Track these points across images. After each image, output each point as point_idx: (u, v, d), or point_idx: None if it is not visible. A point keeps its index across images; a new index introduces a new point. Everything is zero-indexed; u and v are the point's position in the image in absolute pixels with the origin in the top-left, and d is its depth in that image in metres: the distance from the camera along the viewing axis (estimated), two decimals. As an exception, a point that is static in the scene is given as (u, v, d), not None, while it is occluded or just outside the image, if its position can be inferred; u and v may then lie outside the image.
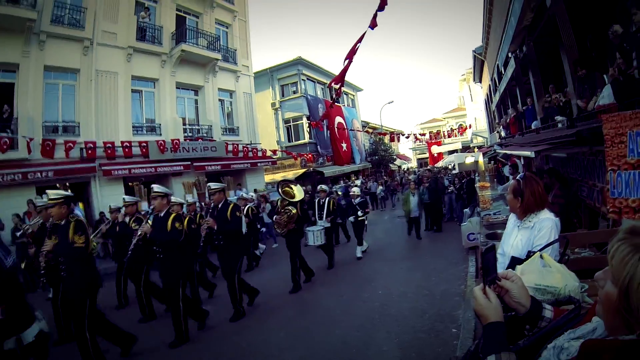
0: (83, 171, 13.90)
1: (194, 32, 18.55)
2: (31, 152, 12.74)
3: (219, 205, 6.77)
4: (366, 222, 10.94)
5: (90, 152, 14.15)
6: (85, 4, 14.87)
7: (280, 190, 8.59)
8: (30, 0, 12.97)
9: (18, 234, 10.51)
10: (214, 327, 6.46)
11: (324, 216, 9.98)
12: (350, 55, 7.49)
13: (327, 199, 10.37)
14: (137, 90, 16.70)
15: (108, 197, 13.84)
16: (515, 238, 2.65)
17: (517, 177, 2.72)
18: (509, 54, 11.56)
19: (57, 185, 13.58)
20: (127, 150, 15.24)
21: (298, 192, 8.66)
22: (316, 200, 10.79)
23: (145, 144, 15.81)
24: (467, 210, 12.00)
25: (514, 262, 2.26)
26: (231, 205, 6.65)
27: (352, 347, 5.07)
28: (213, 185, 6.93)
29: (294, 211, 8.20)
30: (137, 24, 16.53)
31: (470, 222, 9.22)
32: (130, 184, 15.82)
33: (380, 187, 23.82)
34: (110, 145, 14.74)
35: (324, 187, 10.82)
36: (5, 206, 11.71)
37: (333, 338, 5.41)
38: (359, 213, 10.66)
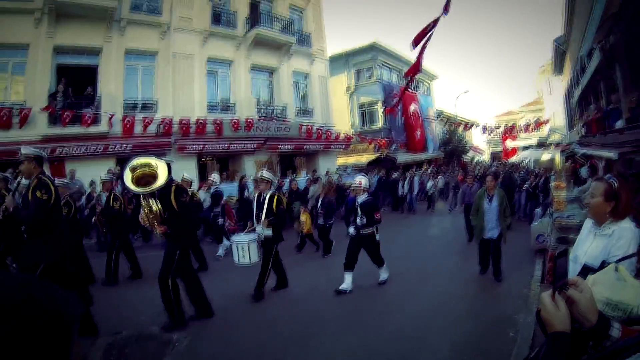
0: (159, 146, 14.22)
1: (268, 16, 18.23)
2: (112, 127, 13.48)
3: None
4: (377, 238, 6.82)
5: (166, 128, 14.51)
6: (163, -8, 15.29)
7: (129, 170, 4.84)
8: None
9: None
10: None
11: (262, 218, 6.43)
12: (419, 39, 7.16)
13: (269, 193, 6.56)
14: (212, 71, 16.82)
15: (181, 171, 13.18)
16: (590, 245, 2.46)
17: (607, 179, 2.50)
18: (594, 45, 9.80)
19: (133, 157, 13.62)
20: (201, 127, 15.30)
21: (161, 172, 4.82)
22: (254, 195, 7.89)
23: (219, 122, 15.77)
24: (538, 210, 10.78)
25: (586, 270, 2.03)
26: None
27: (404, 344, 4.67)
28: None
29: (155, 207, 4.86)
30: (212, 10, 16.59)
31: (541, 223, 8.61)
32: (203, 159, 15.75)
33: (432, 182, 17.88)
34: (185, 122, 14.93)
35: (265, 174, 6.80)
36: (87, 174, 12.08)
37: (385, 334, 4.95)
38: (359, 221, 6.60)
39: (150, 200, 4.77)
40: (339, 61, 27.09)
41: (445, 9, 6.51)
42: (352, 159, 25.46)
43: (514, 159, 32.04)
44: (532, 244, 8.53)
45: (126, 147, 13.33)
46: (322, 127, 19.88)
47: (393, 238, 10.93)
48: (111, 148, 13.14)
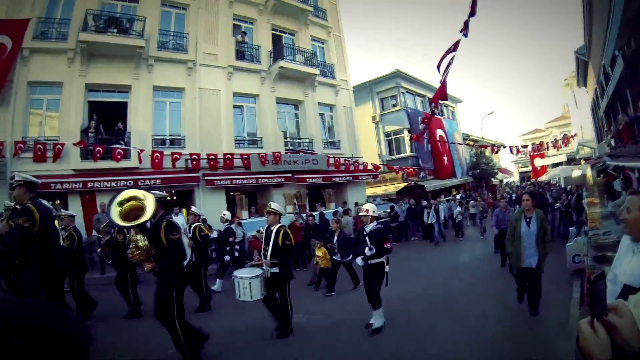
0: (187, 180, 14.33)
1: (290, 49, 18.44)
2: (142, 162, 13.63)
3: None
4: (387, 269, 6.10)
5: (194, 163, 14.53)
6: (187, 30, 15.84)
7: (116, 204, 4.48)
8: (139, 30, 14.13)
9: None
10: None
11: (269, 255, 6.04)
12: (441, 62, 7.24)
13: (276, 227, 6.12)
14: (238, 106, 16.90)
15: (210, 206, 14.07)
16: (630, 263, 2.24)
17: None
18: (616, 52, 9.42)
19: (165, 192, 13.64)
20: (228, 162, 15.32)
21: (149, 205, 4.48)
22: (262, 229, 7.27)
23: (247, 156, 15.79)
24: (572, 229, 10.37)
25: (627, 290, 1.95)
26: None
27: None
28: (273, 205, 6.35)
29: (142, 243, 4.48)
30: (236, 45, 16.85)
31: (577, 243, 8.22)
32: (232, 193, 15.61)
33: (459, 209, 16.95)
34: (213, 157, 15.02)
35: (272, 205, 6.37)
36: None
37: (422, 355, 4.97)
38: (367, 251, 5.96)
39: (137, 235, 4.46)
40: (363, 91, 27.24)
41: (464, 30, 6.45)
42: (380, 189, 25.17)
43: (543, 177, 31.22)
44: (568, 265, 8.11)
45: (155, 181, 13.41)
46: (350, 158, 19.68)
47: (421, 266, 10.88)
48: (141, 182, 13.08)
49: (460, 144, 31.95)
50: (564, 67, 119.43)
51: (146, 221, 4.45)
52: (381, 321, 5.99)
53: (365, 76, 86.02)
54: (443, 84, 7.83)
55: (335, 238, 9.28)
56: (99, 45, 13.42)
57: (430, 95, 25.33)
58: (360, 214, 6.51)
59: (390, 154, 27.68)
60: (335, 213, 14.69)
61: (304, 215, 14.63)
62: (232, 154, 15.44)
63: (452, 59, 7.04)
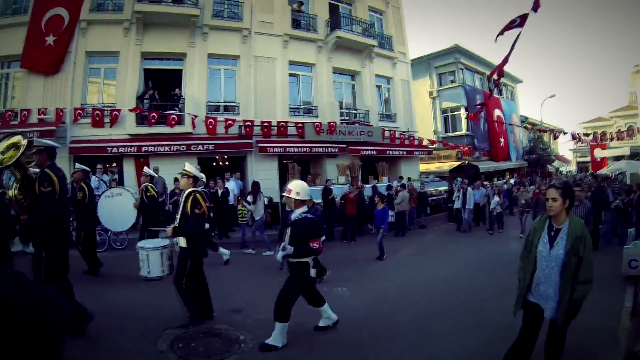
0: (240, 147, 13.90)
1: (348, 19, 17.27)
2: (195, 128, 13.32)
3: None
4: (312, 273, 4.44)
5: (248, 129, 13.98)
6: (242, -2, 15.21)
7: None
8: None
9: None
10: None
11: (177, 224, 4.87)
12: (503, 33, 6.73)
13: (187, 192, 4.86)
14: (294, 74, 16.04)
15: (262, 172, 13.78)
16: None
17: None
18: None
19: (216, 157, 14.31)
20: (282, 129, 14.58)
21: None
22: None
23: (301, 125, 14.94)
24: (631, 230, 9.03)
25: None
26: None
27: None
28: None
29: (12, 193, 4.24)
30: (292, 14, 15.96)
31: (635, 246, 7.08)
32: (284, 161, 14.92)
33: (497, 199, 13.26)
34: (267, 124, 14.33)
35: (187, 166, 5.05)
36: (171, 171, 11.74)
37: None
38: (280, 251, 4.33)
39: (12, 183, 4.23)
40: (421, 65, 25.62)
41: (535, 7, 6.07)
42: (434, 166, 23.61)
43: (604, 170, 27.96)
44: (623, 270, 6.89)
45: (208, 147, 13.20)
46: (405, 132, 18.31)
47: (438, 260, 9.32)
48: (194, 147, 13.04)
49: (517, 126, 29.43)
50: (636, 52, 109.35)
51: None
52: (280, 339, 4.24)
53: (424, 50, 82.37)
54: (505, 59, 7.25)
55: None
56: (154, 14, 13.30)
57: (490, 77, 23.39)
58: (283, 194, 4.65)
59: (446, 131, 25.97)
60: (389, 187, 13.77)
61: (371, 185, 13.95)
62: (286, 122, 14.70)
63: (518, 35, 6.55)
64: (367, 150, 16.30)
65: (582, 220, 3.32)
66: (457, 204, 13.85)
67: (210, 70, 14.37)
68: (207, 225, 7.93)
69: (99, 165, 11.81)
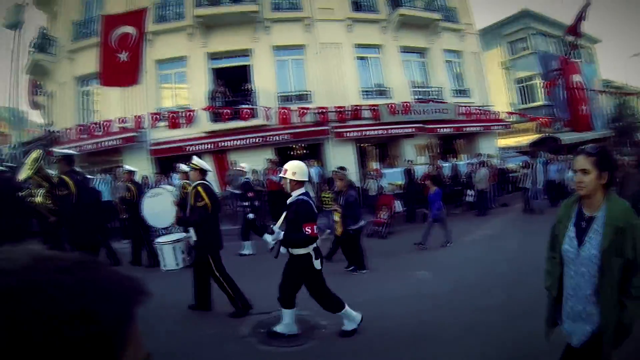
0: (316, 134, 13.54)
1: (408, -5, 16.11)
2: (269, 119, 13.14)
3: None
4: (317, 266, 3.88)
5: (322, 116, 13.52)
6: (299, -13, 14.97)
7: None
8: None
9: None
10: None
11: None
12: None
13: (193, 184, 4.84)
14: (362, 57, 15.30)
15: (340, 157, 13.23)
16: None
17: None
18: None
19: (293, 146, 14.14)
20: (357, 113, 13.93)
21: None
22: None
23: (375, 107, 14.21)
24: None
25: None
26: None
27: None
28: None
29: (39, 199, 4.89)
30: (351, -4, 15.33)
31: None
32: (362, 145, 14.25)
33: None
34: (341, 109, 13.76)
35: (195, 160, 5.01)
36: (248, 163, 11.32)
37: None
38: (269, 237, 3.98)
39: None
40: (490, 35, 23.79)
41: None
42: (512, 141, 21.69)
43: None
44: None
45: (284, 136, 12.98)
46: (480, 107, 16.87)
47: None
48: (270, 139, 12.89)
49: (600, 91, 26.51)
50: None
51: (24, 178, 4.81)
52: (288, 328, 3.97)
53: (491, 19, 78.31)
54: (580, 14, 7.05)
55: (342, 200, 6.76)
56: (215, 16, 13.41)
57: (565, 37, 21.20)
58: (280, 175, 4.15)
59: (522, 103, 23.93)
60: (483, 163, 12.42)
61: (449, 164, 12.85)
62: (359, 106, 14.05)
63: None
64: (443, 128, 15.25)
65: (627, 203, 2.09)
66: (527, 183, 11.62)
67: (277, 62, 14.16)
68: (251, 216, 7.95)
69: (177, 165, 11.80)
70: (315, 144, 14.21)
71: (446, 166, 13.33)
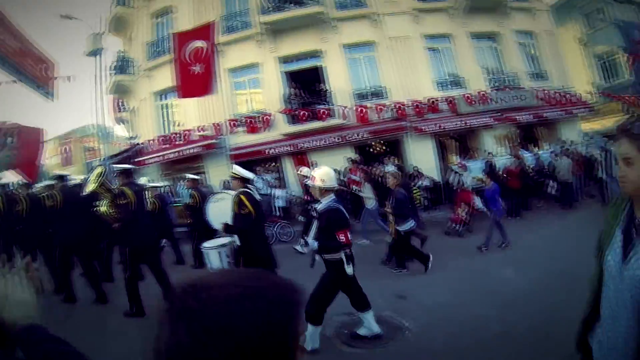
0: (394, 130, 13.16)
1: (473, -22, 15.41)
2: (347, 118, 13.06)
3: None
4: (349, 272, 3.74)
5: (399, 111, 13.18)
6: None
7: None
8: None
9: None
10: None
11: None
12: None
13: (236, 192, 4.79)
14: (433, 48, 14.78)
15: (420, 153, 13.14)
16: None
17: None
18: None
19: (372, 143, 14.08)
20: (433, 106, 13.43)
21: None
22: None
23: (451, 99, 13.68)
24: None
25: None
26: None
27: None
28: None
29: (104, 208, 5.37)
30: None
31: None
32: (440, 139, 13.83)
33: None
34: (417, 103, 13.37)
35: (235, 168, 5.01)
36: (330, 164, 11.11)
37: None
38: (311, 243, 3.85)
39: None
40: (562, 8, 21.56)
41: None
42: (597, 124, 19.73)
43: None
44: None
45: (363, 134, 12.80)
46: (560, 89, 15.69)
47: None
48: (349, 137, 12.77)
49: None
50: None
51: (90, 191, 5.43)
52: (309, 343, 3.69)
53: None
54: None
55: (392, 199, 6.48)
56: (281, 22, 13.49)
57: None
58: (308, 182, 4.23)
59: (605, 81, 21.77)
60: (567, 153, 11.52)
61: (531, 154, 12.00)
62: (436, 98, 13.55)
63: None
64: (522, 116, 14.27)
65: None
66: (603, 172, 10.17)
67: (349, 60, 14.01)
68: (301, 218, 8.40)
69: (258, 167, 12.52)
70: (394, 141, 13.89)
71: (528, 156, 12.36)
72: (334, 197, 3.91)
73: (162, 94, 15.39)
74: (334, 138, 12.66)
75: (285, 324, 0.63)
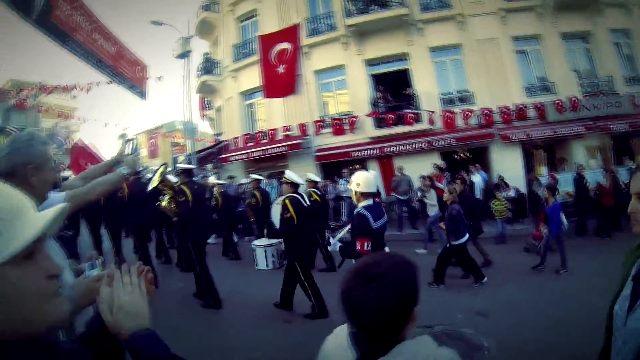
0: (481, 137, 12.84)
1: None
2: (433, 123, 12.96)
3: None
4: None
5: (486, 118, 12.89)
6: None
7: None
8: None
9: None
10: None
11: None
12: None
13: (282, 197, 5.40)
14: (521, 51, 14.19)
15: (506, 162, 12.74)
16: None
17: None
18: None
19: (457, 150, 13.98)
20: (521, 113, 12.95)
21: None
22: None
23: (540, 105, 13.08)
24: None
25: None
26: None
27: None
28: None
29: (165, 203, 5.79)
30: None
31: None
32: (528, 147, 13.40)
33: None
34: (505, 109, 12.97)
35: (286, 174, 5.56)
36: (413, 169, 11.77)
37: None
38: (333, 242, 3.79)
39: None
40: None
41: None
42: None
43: None
44: None
45: (449, 141, 12.65)
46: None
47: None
48: (435, 143, 12.71)
49: None
50: None
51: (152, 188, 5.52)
52: None
53: None
54: None
55: (446, 213, 6.52)
56: (366, 24, 13.53)
57: None
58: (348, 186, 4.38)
59: None
60: (631, 172, 10.53)
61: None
62: (524, 104, 13.04)
63: None
64: (616, 125, 13.30)
65: None
66: None
67: (435, 64, 13.83)
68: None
69: (344, 170, 12.52)
70: (479, 148, 13.54)
71: (622, 171, 11.36)
72: (371, 202, 3.80)
73: (248, 93, 16.08)
74: (421, 144, 12.62)
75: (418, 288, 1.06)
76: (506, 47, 13.77)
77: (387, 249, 3.69)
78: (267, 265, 6.20)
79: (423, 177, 9.89)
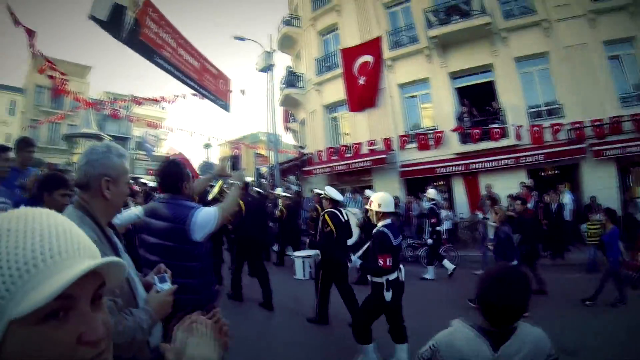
0: (571, 153, 12.04)
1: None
2: (520, 138, 12.59)
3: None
4: (387, 297, 3.77)
5: (577, 132, 12.19)
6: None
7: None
8: (478, 7, 13.32)
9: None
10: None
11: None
12: None
13: (322, 213, 5.75)
14: (614, 56, 13.10)
15: (599, 181, 11.80)
16: None
17: None
18: None
19: (544, 167, 13.36)
20: (616, 126, 12.01)
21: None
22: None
23: (637, 117, 12.02)
24: None
25: None
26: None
27: None
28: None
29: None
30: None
31: None
32: (624, 165, 12.31)
33: None
34: (598, 122, 12.17)
35: (327, 190, 5.76)
36: (500, 187, 11.69)
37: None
38: (354, 260, 4.23)
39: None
40: None
41: None
42: None
43: None
44: None
45: (537, 157, 12.17)
46: None
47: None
48: (522, 160, 12.32)
49: None
50: None
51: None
52: None
53: None
54: None
55: (494, 236, 6.34)
56: (448, 35, 13.44)
57: None
58: (365, 206, 5.25)
59: None
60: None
61: None
62: (619, 116, 12.11)
63: None
64: None
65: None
66: None
67: (521, 75, 13.33)
68: (429, 241, 8.51)
69: (428, 187, 11.96)
70: (569, 165, 12.71)
71: None
72: (389, 221, 3.99)
73: (332, 107, 16.72)
74: (507, 160, 12.29)
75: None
76: (597, 52, 12.88)
77: (401, 266, 4.00)
78: (304, 275, 6.89)
79: (511, 197, 9.74)
